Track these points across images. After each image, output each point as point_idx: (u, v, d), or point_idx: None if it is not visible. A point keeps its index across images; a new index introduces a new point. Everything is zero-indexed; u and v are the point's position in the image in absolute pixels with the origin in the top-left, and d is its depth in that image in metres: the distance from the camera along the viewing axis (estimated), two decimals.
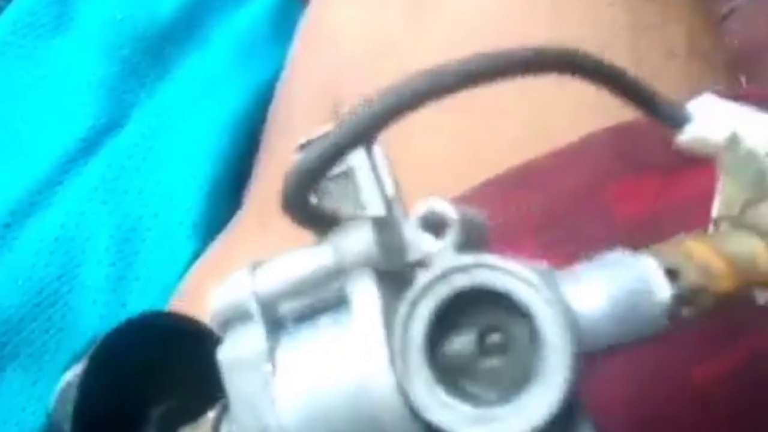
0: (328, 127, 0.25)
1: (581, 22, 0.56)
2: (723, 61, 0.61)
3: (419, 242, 0.26)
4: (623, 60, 0.51)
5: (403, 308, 0.24)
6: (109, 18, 0.69)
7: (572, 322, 0.24)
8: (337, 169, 0.29)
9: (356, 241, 0.26)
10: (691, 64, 0.58)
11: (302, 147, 0.29)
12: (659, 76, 0.55)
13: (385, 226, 0.26)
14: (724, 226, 0.29)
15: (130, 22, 0.69)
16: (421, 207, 0.26)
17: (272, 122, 0.66)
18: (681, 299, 0.26)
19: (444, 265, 0.24)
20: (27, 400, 0.61)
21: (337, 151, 0.24)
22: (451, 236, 0.26)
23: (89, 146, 0.66)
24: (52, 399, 0.32)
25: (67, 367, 0.59)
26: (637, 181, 0.48)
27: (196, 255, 0.64)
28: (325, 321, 0.26)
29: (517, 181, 0.50)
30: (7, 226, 0.63)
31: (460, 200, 0.48)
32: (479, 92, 0.54)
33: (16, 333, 0.61)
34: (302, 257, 0.26)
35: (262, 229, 0.60)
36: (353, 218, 0.27)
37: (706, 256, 0.27)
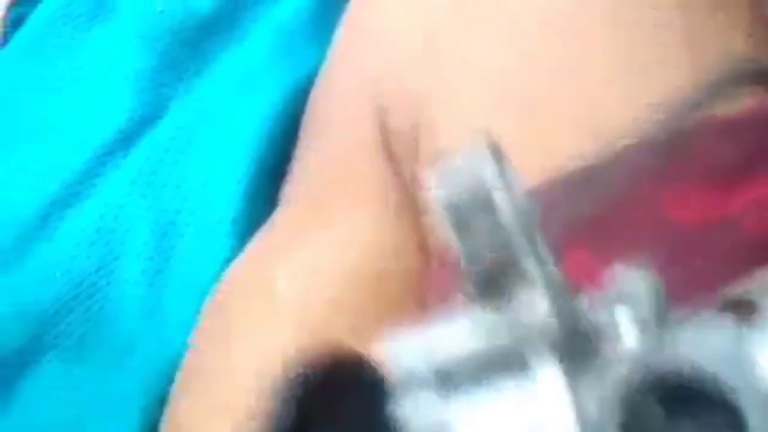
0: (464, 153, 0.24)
1: (638, 24, 0.54)
2: None
3: (598, 314, 0.24)
4: (681, 69, 0.50)
5: (592, 406, 0.23)
6: (148, 10, 0.69)
7: None
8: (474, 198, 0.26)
9: (533, 317, 0.24)
10: None
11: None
12: None
13: (558, 295, 0.25)
14: None
15: (169, 14, 0.68)
16: (609, 279, 0.24)
17: (310, 115, 0.65)
18: None
19: (642, 352, 0.23)
20: (61, 391, 0.61)
21: None
22: (638, 311, 0.24)
23: (127, 138, 0.65)
24: None
25: (104, 360, 0.60)
26: (695, 188, 0.47)
27: (235, 252, 0.63)
28: (505, 384, 0.24)
29: (568, 186, 0.50)
30: (47, 216, 0.63)
31: None
32: (526, 92, 0.53)
33: (54, 325, 0.61)
34: (471, 334, 0.25)
35: (302, 231, 0.59)
36: (517, 281, 0.26)
37: None
